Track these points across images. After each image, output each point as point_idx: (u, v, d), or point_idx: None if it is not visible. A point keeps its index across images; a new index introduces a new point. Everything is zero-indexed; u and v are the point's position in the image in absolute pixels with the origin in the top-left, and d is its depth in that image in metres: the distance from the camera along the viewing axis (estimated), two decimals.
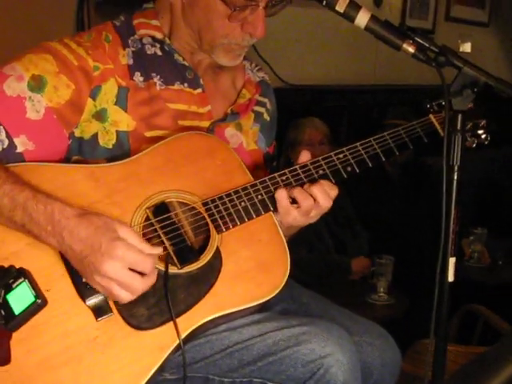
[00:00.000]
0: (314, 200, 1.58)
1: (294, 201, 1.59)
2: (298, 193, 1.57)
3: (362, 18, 1.45)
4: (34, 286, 1.17)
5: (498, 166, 4.92)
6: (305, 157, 1.65)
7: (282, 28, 3.61)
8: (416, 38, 1.42)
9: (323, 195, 1.58)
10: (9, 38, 2.69)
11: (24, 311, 1.15)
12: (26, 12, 2.76)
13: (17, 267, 1.17)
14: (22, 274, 1.16)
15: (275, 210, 1.60)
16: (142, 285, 1.34)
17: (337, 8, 1.45)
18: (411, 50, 1.43)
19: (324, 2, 1.46)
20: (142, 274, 1.34)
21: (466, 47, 5.23)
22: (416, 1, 4.76)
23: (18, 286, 1.14)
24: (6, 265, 1.30)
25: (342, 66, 4.31)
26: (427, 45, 1.42)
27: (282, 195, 1.57)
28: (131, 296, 1.34)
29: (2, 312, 1.10)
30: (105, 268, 1.30)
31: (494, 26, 5.69)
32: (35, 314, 1.16)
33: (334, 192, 1.61)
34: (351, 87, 4.36)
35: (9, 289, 1.13)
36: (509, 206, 4.72)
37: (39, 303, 1.17)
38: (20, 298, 1.14)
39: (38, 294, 1.17)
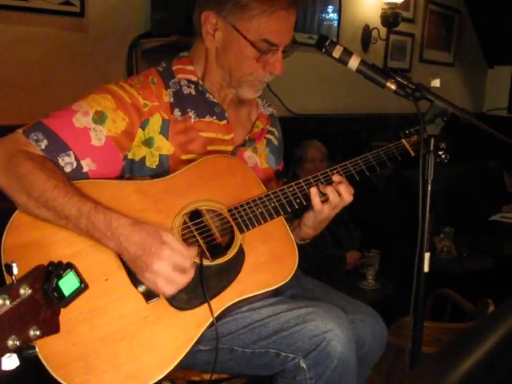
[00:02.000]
0: (340, 195, 1.61)
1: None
2: (328, 190, 1.60)
3: (354, 62, 1.45)
4: (78, 274, 1.21)
5: (463, 177, 4.91)
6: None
7: (290, 69, 3.62)
8: (397, 78, 1.43)
9: (346, 191, 1.61)
10: (76, 80, 2.71)
11: (72, 293, 1.18)
12: (88, 59, 2.78)
13: (64, 262, 1.23)
14: (70, 266, 1.20)
15: (285, 213, 1.61)
16: (182, 280, 1.34)
17: (333, 54, 1.46)
18: (393, 87, 1.43)
19: (323, 50, 1.47)
20: (182, 271, 1.34)
21: (436, 83, 5.22)
22: (396, 46, 4.75)
23: (66, 274, 1.18)
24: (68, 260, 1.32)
25: (338, 99, 4.31)
26: (406, 83, 1.43)
27: (315, 197, 1.61)
28: (173, 290, 1.34)
29: (55, 294, 1.14)
30: (155, 266, 1.30)
31: (457, 65, 5.68)
32: (79, 295, 1.20)
33: (352, 190, 1.64)
34: (345, 116, 4.36)
35: (60, 277, 1.16)
36: (471, 209, 4.70)
37: (82, 287, 1.20)
38: (68, 283, 1.18)
39: (82, 280, 1.20)
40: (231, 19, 1.57)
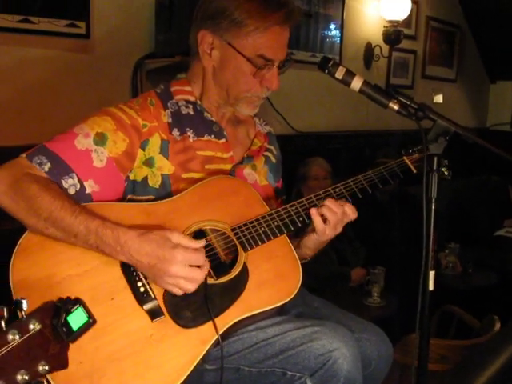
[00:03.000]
0: (335, 213, 1.61)
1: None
2: (324, 210, 1.61)
3: (356, 83, 1.46)
4: (86, 309, 1.25)
5: (467, 192, 4.92)
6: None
7: (293, 87, 3.64)
8: (399, 98, 1.43)
9: (350, 210, 1.64)
10: (82, 100, 2.74)
11: (80, 328, 1.22)
12: (94, 79, 2.82)
13: (72, 298, 1.28)
14: (78, 301, 1.24)
15: (288, 232, 1.62)
16: (201, 274, 1.39)
17: (336, 75, 1.47)
18: (396, 107, 1.43)
19: (326, 71, 1.48)
20: (198, 266, 1.38)
21: (439, 98, 5.23)
22: (398, 63, 4.77)
23: (75, 310, 1.22)
24: (79, 282, 1.37)
25: (340, 116, 4.33)
26: (408, 103, 1.43)
27: (316, 218, 1.61)
28: (195, 285, 1.39)
29: (64, 329, 1.17)
30: (172, 270, 1.35)
31: (460, 81, 5.70)
32: (88, 329, 1.25)
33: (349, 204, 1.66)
34: (348, 133, 4.37)
35: (68, 312, 1.20)
36: (476, 224, 4.69)
37: (90, 322, 1.25)
38: (77, 318, 1.22)
39: (90, 315, 1.25)
40: (227, 37, 1.61)
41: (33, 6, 2.52)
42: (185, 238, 1.39)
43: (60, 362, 1.14)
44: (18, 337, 1.03)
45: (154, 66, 2.97)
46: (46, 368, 1.08)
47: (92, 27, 2.74)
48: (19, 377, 1.02)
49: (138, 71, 2.94)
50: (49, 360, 1.09)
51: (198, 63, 1.71)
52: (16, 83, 2.54)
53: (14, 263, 1.37)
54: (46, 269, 1.38)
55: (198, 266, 1.38)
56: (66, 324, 1.18)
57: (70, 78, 2.73)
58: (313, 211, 1.61)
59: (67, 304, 1.21)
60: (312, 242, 1.69)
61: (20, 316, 1.09)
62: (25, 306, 1.09)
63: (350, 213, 1.64)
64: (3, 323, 1.03)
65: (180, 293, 1.40)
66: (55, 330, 1.14)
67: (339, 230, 1.66)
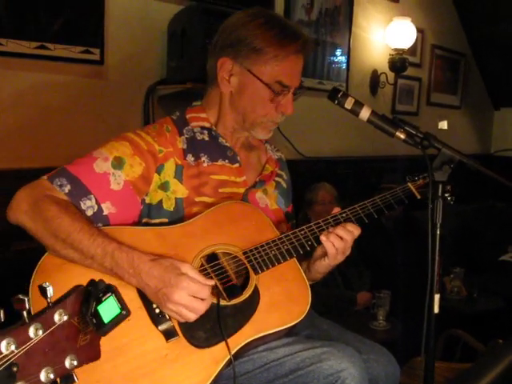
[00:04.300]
0: (342, 238, 1.65)
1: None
2: (332, 238, 1.65)
3: (365, 113, 1.51)
4: (119, 299, 1.13)
5: (472, 217, 4.93)
6: (335, 211, 1.76)
7: (301, 113, 3.68)
8: (405, 127, 1.48)
9: (353, 228, 1.68)
10: (96, 124, 2.81)
11: (112, 320, 1.10)
12: (107, 104, 2.88)
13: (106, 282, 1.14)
14: (110, 289, 1.12)
15: (298, 255, 1.66)
16: (202, 306, 1.41)
17: (345, 106, 1.52)
18: (402, 136, 1.48)
19: (336, 102, 1.54)
20: (201, 299, 1.41)
21: (444, 125, 5.23)
22: (403, 90, 4.84)
23: (106, 299, 1.10)
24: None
25: (347, 141, 4.37)
26: (414, 132, 1.48)
27: (329, 244, 1.66)
28: (195, 316, 1.41)
29: (94, 320, 1.05)
30: (175, 297, 1.38)
31: (464, 108, 5.77)
32: (120, 322, 1.12)
33: (349, 226, 1.68)
34: (354, 158, 4.42)
35: (99, 301, 1.08)
36: (480, 250, 4.70)
37: (124, 314, 1.12)
38: (108, 309, 1.10)
39: (123, 306, 1.13)
40: (246, 64, 1.68)
41: (49, 33, 2.58)
42: (193, 270, 1.43)
43: (91, 354, 1.01)
44: (41, 332, 0.90)
45: (165, 91, 3.03)
46: (75, 363, 0.96)
47: (106, 54, 2.81)
48: (43, 375, 0.90)
49: (150, 97, 3.00)
50: (78, 353, 0.97)
51: (214, 90, 1.78)
52: (32, 108, 2.60)
53: (34, 285, 1.41)
54: (64, 291, 1.41)
55: (202, 300, 1.41)
56: (97, 314, 1.07)
57: (84, 102, 2.79)
58: (323, 238, 1.65)
59: (98, 291, 1.09)
60: (323, 267, 1.74)
61: (46, 304, 0.96)
62: (50, 293, 0.96)
63: (354, 230, 1.68)
64: (25, 314, 0.89)
65: (181, 320, 1.43)
66: (84, 319, 1.02)
67: (348, 252, 1.71)
